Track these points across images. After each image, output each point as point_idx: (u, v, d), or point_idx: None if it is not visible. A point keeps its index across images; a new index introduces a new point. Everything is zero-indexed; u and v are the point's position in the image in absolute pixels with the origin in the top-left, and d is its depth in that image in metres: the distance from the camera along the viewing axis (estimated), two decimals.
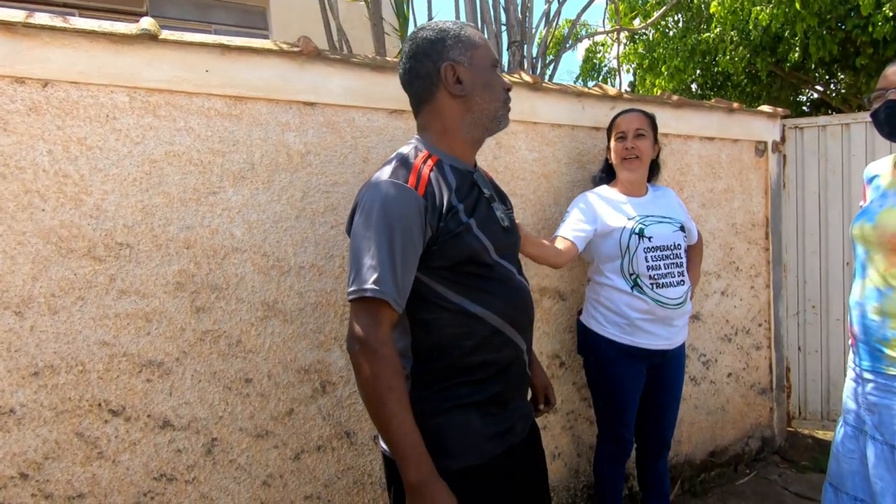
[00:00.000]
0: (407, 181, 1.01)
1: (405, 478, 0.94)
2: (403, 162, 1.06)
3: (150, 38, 1.36)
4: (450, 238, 1.01)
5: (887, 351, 1.23)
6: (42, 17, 1.26)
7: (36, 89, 1.28)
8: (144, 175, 1.39)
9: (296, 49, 1.55)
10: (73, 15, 4.24)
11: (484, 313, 1.05)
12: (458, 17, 2.63)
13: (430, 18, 2.64)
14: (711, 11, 4.84)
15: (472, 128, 1.11)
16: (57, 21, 1.27)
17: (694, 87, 6.69)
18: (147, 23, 1.36)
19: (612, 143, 1.83)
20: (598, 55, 8.44)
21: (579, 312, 1.96)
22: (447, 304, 1.04)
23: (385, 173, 1.03)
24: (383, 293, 0.94)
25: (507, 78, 1.14)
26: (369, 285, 0.94)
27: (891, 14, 3.62)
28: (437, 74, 1.08)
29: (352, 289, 0.97)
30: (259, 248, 1.53)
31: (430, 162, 1.07)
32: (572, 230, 1.71)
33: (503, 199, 1.23)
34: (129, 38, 1.34)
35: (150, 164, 1.39)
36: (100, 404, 1.36)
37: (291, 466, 1.59)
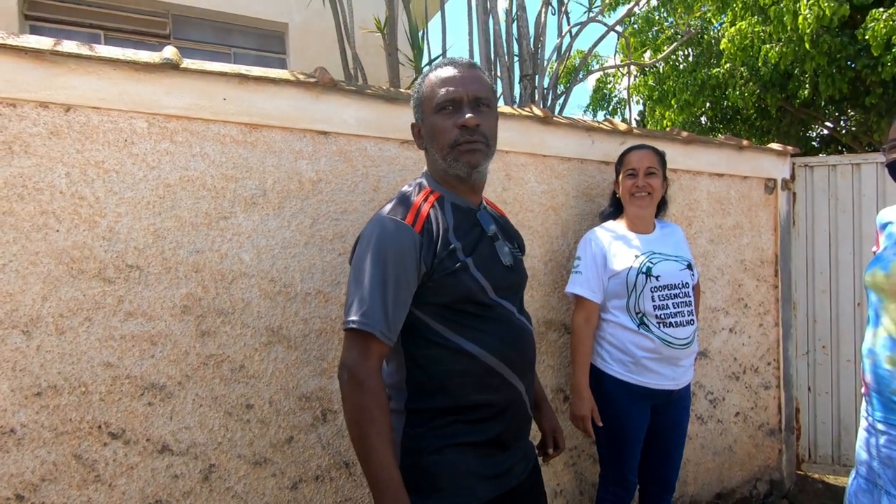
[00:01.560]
0: (405, 218, 1.03)
1: None
2: (404, 199, 1.09)
3: (171, 66, 1.39)
4: (445, 276, 1.01)
5: None
6: (69, 46, 1.30)
7: (58, 114, 1.31)
8: (158, 199, 1.41)
9: (312, 80, 1.58)
10: (99, 36, 4.38)
11: (479, 352, 1.04)
12: (471, 49, 2.68)
13: (445, 50, 2.70)
14: (721, 48, 4.90)
15: (444, 173, 1.12)
16: (83, 49, 1.31)
17: (703, 120, 6.74)
18: (170, 52, 1.40)
19: (622, 178, 1.84)
20: (609, 86, 8.55)
21: None
22: (442, 342, 1.03)
23: (386, 209, 1.07)
24: (371, 326, 0.96)
25: (461, 117, 1.05)
26: (358, 317, 0.97)
27: None
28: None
29: (346, 319, 0.99)
30: (266, 273, 1.54)
31: (431, 199, 1.09)
32: (593, 289, 1.75)
33: (511, 237, 1.23)
34: (151, 67, 1.38)
35: (164, 188, 1.42)
36: (100, 426, 1.35)
37: (288, 496, 1.57)
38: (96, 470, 1.35)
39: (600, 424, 1.71)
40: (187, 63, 1.43)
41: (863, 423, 1.35)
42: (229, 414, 1.49)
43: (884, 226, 1.41)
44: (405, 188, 1.14)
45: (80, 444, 1.33)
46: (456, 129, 1.06)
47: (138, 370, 1.39)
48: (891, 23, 3.67)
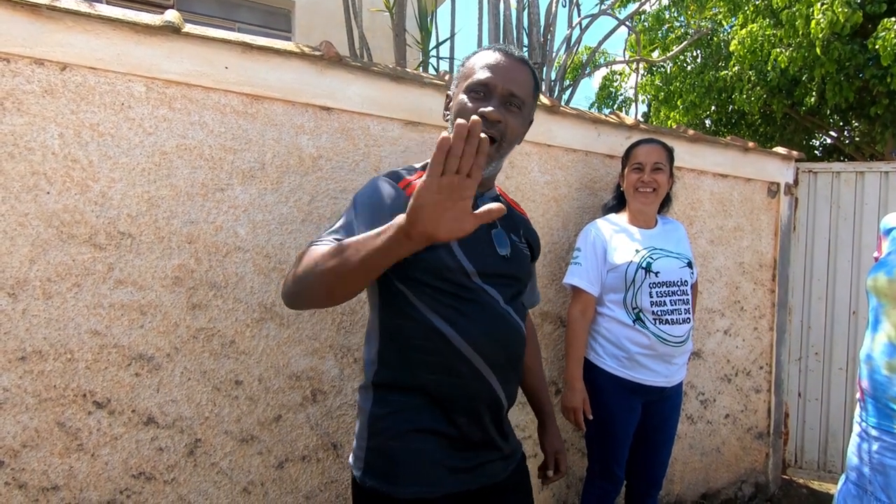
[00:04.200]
0: (398, 182, 1.05)
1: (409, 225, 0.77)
2: (397, 174, 1.09)
3: (172, 30, 1.35)
4: (426, 247, 0.96)
5: None
6: (67, 1, 1.26)
7: (54, 72, 1.27)
8: (153, 166, 1.38)
9: (317, 53, 1.54)
10: (101, 2, 4.30)
11: (451, 334, 0.99)
12: (480, 35, 2.64)
13: (453, 34, 2.65)
14: (731, 50, 4.86)
15: None
16: (82, 6, 1.27)
17: (708, 122, 6.72)
18: (171, 15, 1.36)
19: (627, 171, 1.81)
20: (615, 83, 8.50)
21: None
22: (417, 316, 1.00)
23: (382, 173, 1.09)
24: (323, 242, 0.95)
25: (486, 107, 1.00)
26: (322, 234, 1.00)
27: None
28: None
29: None
30: (262, 248, 1.51)
31: None
32: (591, 281, 1.73)
33: (518, 232, 1.17)
34: (151, 29, 1.34)
35: (160, 155, 1.38)
36: (84, 395, 1.33)
37: (274, 475, 1.55)
38: (79, 439, 1.32)
39: (591, 418, 1.70)
40: (189, 28, 1.39)
41: (856, 429, 1.35)
42: (217, 389, 1.47)
43: (888, 231, 1.39)
44: (406, 167, 1.13)
45: (63, 411, 1.31)
46: (475, 115, 1.02)
47: (126, 340, 1.36)
48: None
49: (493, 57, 1.04)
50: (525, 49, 2.59)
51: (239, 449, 1.50)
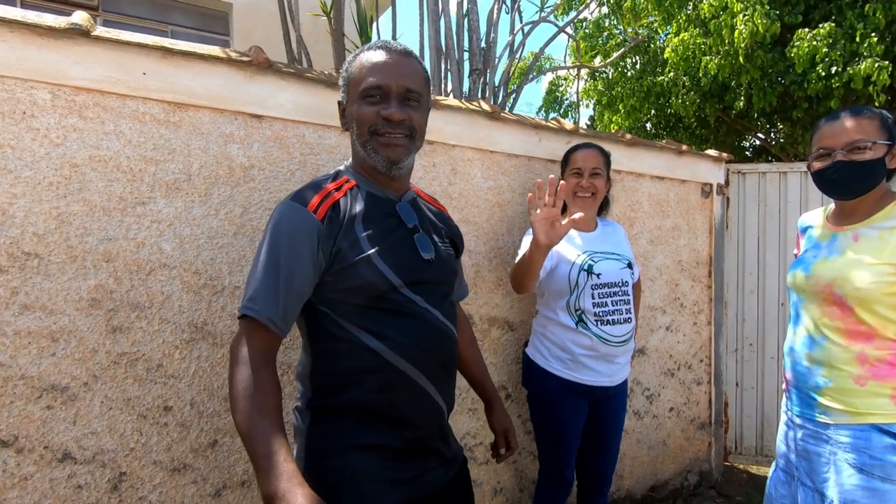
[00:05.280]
0: (307, 204, 0.98)
1: (260, 489, 0.83)
2: (315, 185, 1.04)
3: (80, 33, 1.25)
4: (345, 268, 0.96)
5: (819, 398, 1.26)
6: None
7: None
8: (63, 180, 1.27)
9: (246, 59, 1.48)
10: (14, 3, 3.98)
11: (384, 350, 0.97)
12: (421, 40, 2.63)
13: (395, 39, 2.62)
14: (666, 57, 5.10)
15: (364, 161, 1.06)
16: None
17: (648, 126, 7.02)
18: (79, 17, 1.26)
19: (567, 176, 1.84)
20: (560, 88, 8.73)
21: (525, 344, 1.93)
22: (346, 336, 0.98)
23: (292, 194, 1.02)
24: (256, 312, 0.92)
25: (387, 109, 1.00)
26: (246, 303, 0.94)
27: (823, 73, 3.91)
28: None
29: (239, 306, 0.96)
30: (190, 264, 1.42)
31: (345, 187, 1.04)
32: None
33: (441, 232, 1.16)
34: (56, 32, 1.24)
35: (70, 168, 1.28)
36: None
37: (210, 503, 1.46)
38: None
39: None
40: (100, 31, 1.29)
41: (783, 418, 1.41)
42: (144, 417, 1.37)
43: (804, 229, 1.47)
44: (321, 176, 1.09)
45: None
46: (378, 117, 1.00)
47: (35, 370, 1.24)
48: (814, 43, 3.93)
49: (378, 57, 1.02)
50: (466, 54, 2.60)
51: (170, 479, 1.40)
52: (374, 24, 2.64)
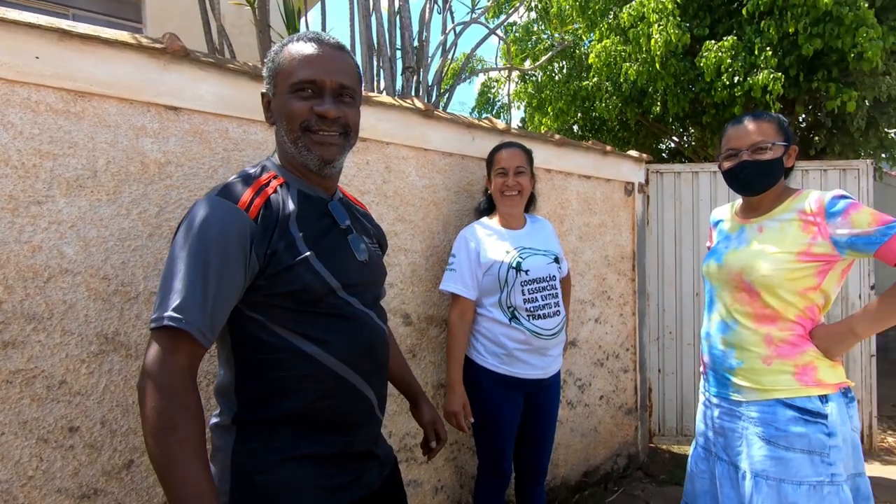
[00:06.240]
0: (237, 201, 0.89)
1: None
2: (242, 180, 0.95)
3: None
4: (281, 271, 0.90)
5: (733, 379, 1.37)
6: None
7: None
8: None
9: (159, 45, 1.37)
10: None
11: (322, 356, 0.93)
12: (352, 37, 2.57)
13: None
14: (590, 62, 5.35)
15: (293, 158, 0.99)
16: None
17: (575, 128, 7.33)
18: None
19: (493, 176, 1.88)
20: (493, 90, 8.91)
21: None
22: (280, 344, 0.92)
23: (217, 190, 0.92)
24: (185, 323, 0.81)
25: (321, 106, 0.95)
26: (170, 313, 0.81)
27: (727, 82, 4.27)
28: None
29: (154, 315, 0.83)
30: (98, 269, 1.30)
31: (274, 183, 0.96)
32: (468, 286, 1.77)
33: (370, 232, 1.14)
34: None
35: None
36: None
37: None
38: None
39: (472, 420, 1.73)
40: None
41: (701, 399, 1.52)
42: (45, 441, 1.23)
43: (716, 223, 1.60)
44: (247, 169, 1.00)
45: None
46: (311, 113, 0.95)
47: None
48: (719, 54, 4.29)
49: (310, 49, 0.96)
50: (398, 51, 2.58)
51: None
52: (303, 18, 2.54)
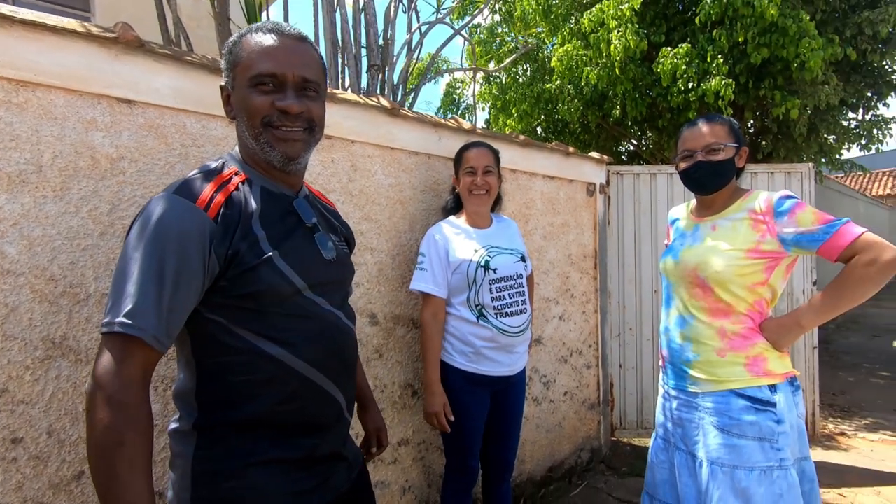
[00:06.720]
0: (196, 199, 0.85)
1: None
2: (202, 177, 0.90)
3: None
4: (244, 272, 0.86)
5: (690, 371, 1.42)
6: None
7: None
8: None
9: (110, 35, 1.30)
10: None
11: (288, 357, 0.91)
12: (316, 32, 2.53)
13: None
14: (552, 65, 5.45)
15: (255, 154, 0.96)
16: None
17: (539, 130, 7.46)
18: None
19: (461, 175, 1.89)
20: (458, 91, 8.95)
21: None
22: (243, 346, 0.88)
23: (175, 186, 0.88)
24: (139, 329, 0.77)
25: (283, 101, 0.91)
26: (123, 318, 0.77)
27: (682, 88, 4.45)
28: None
29: (105, 320, 0.78)
30: (44, 270, 1.22)
31: (236, 179, 0.92)
32: (438, 284, 1.77)
33: (337, 230, 1.11)
34: None
35: None
36: None
37: None
38: None
39: (452, 419, 1.74)
40: None
41: (660, 391, 1.58)
42: None
43: (673, 221, 1.66)
44: (208, 164, 0.96)
45: None
46: (273, 108, 0.91)
47: None
48: (674, 60, 4.47)
49: (270, 40, 0.92)
50: (363, 48, 2.56)
51: None
52: (265, 12, 2.48)
